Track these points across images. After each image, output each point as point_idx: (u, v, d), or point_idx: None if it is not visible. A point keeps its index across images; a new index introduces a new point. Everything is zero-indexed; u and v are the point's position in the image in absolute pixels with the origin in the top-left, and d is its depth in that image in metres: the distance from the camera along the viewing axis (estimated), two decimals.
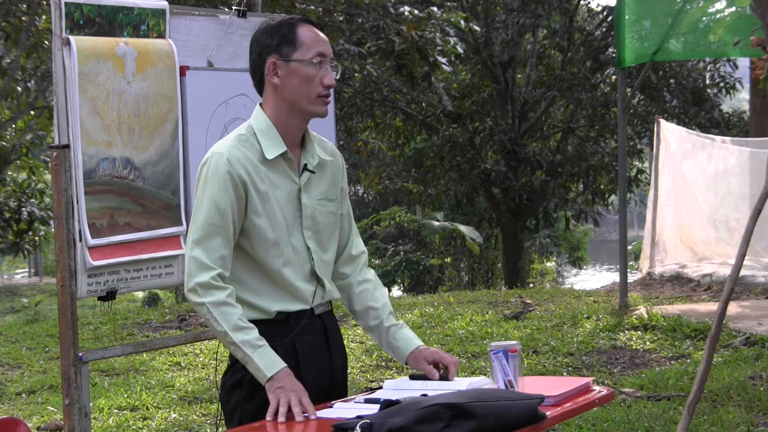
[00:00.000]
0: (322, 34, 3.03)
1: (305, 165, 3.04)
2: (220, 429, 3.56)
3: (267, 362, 2.86)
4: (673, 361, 7.45)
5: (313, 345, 3.05)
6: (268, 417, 2.80)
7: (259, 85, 3.04)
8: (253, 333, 2.88)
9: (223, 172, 2.92)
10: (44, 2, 14.08)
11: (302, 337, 3.02)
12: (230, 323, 2.87)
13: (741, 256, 4.43)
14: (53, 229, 4.01)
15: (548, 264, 29.24)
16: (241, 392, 2.99)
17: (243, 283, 2.98)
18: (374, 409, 2.69)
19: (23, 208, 16.83)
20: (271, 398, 2.83)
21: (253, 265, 2.98)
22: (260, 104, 3.06)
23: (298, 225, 3.02)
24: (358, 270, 3.20)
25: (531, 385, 2.94)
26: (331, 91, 3.05)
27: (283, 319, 3.01)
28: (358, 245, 3.22)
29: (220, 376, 3.12)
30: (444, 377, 3.07)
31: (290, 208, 3.01)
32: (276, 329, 2.98)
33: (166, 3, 4.16)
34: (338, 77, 3.04)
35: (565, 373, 7.15)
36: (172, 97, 4.15)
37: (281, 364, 2.88)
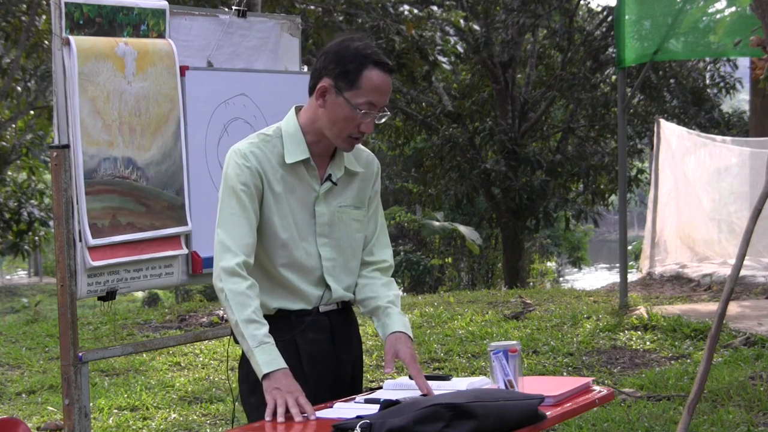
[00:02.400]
0: (387, 83, 2.96)
1: (329, 175, 3.05)
2: (234, 423, 3.60)
3: (267, 359, 2.87)
4: (673, 361, 7.45)
5: (317, 342, 3.06)
6: (267, 417, 2.80)
7: (310, 92, 3.02)
8: (263, 329, 2.89)
9: (241, 164, 2.96)
10: (44, 2, 14.08)
11: (305, 334, 3.03)
12: (244, 315, 2.88)
13: (741, 256, 4.43)
14: (53, 230, 4.01)
15: (548, 264, 29.23)
16: (248, 387, 3.03)
17: None
18: (374, 409, 2.69)
19: (23, 209, 16.82)
20: (267, 399, 2.83)
21: (259, 261, 3.00)
22: (296, 108, 3.07)
23: (312, 231, 3.04)
24: (370, 270, 3.18)
25: (531, 385, 2.94)
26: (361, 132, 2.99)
27: (285, 316, 3.02)
28: (377, 254, 3.18)
29: (232, 369, 3.16)
30: (444, 377, 3.08)
31: (306, 213, 3.03)
32: (278, 325, 2.99)
33: (166, 3, 4.16)
34: (381, 122, 3.02)
35: (565, 373, 7.15)
36: (174, 97, 4.15)
37: (281, 364, 2.87)
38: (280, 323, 3.00)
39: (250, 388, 3.00)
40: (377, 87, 2.94)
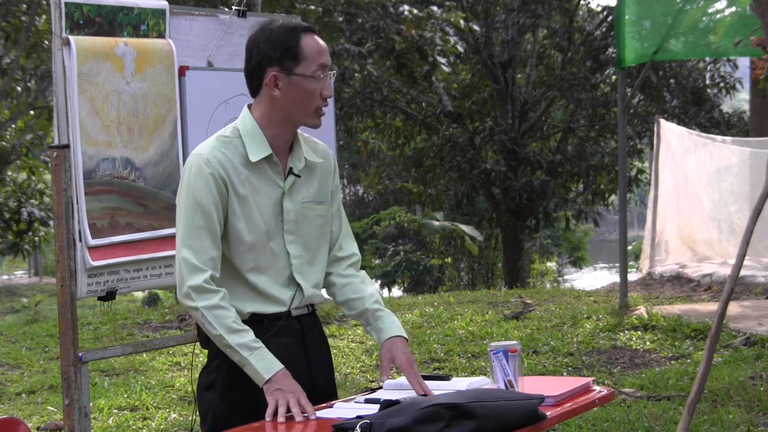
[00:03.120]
0: (322, 43, 2.99)
1: (290, 169, 3.01)
2: (194, 429, 3.52)
3: (264, 364, 2.85)
4: (673, 361, 7.45)
5: (289, 347, 3.00)
6: (268, 418, 2.80)
7: (255, 91, 3.00)
8: (249, 335, 2.87)
9: (205, 173, 2.90)
10: (44, 2, 14.07)
11: (277, 338, 2.97)
12: (225, 326, 2.86)
13: (741, 256, 4.43)
14: (53, 230, 4.01)
15: (548, 264, 29.24)
16: (215, 393, 2.98)
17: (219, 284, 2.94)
18: (374, 409, 2.69)
19: (23, 209, 16.82)
20: (269, 400, 2.82)
21: (227, 267, 2.96)
22: (248, 106, 3.03)
23: (279, 229, 2.99)
24: (343, 267, 3.15)
25: (531, 385, 2.94)
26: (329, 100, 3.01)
27: (258, 320, 2.97)
28: (347, 248, 3.17)
29: (197, 376, 3.10)
30: (444, 377, 3.07)
31: (273, 212, 2.98)
32: (251, 329, 2.93)
33: (166, 3, 4.16)
34: (332, 82, 3.02)
35: (565, 373, 7.15)
36: (171, 97, 4.15)
37: (278, 365, 2.87)
38: (253, 327, 2.94)
39: (219, 394, 2.96)
40: (319, 49, 2.95)
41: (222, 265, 2.94)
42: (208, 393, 3.02)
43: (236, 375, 2.91)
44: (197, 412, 3.09)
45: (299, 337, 3.05)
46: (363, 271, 3.21)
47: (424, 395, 2.82)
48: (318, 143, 3.14)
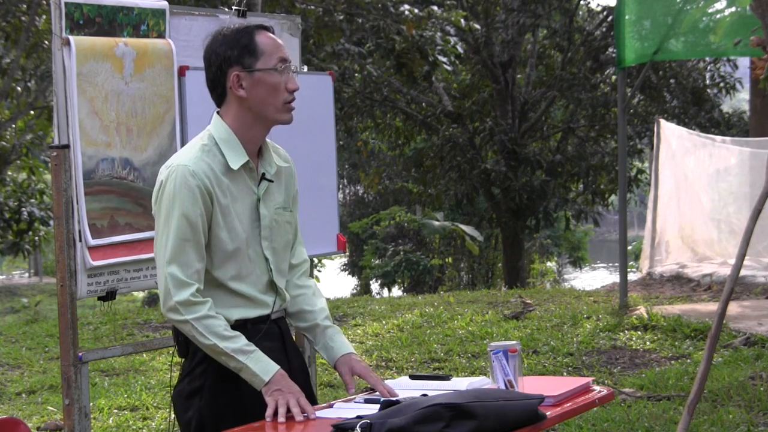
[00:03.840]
0: (278, 39, 3.00)
1: (263, 174, 3.00)
2: None
3: (262, 367, 2.86)
4: (673, 361, 7.45)
5: (272, 350, 2.99)
6: (268, 418, 2.80)
7: (221, 98, 2.98)
8: (242, 340, 2.87)
9: (192, 185, 2.86)
10: (44, 2, 14.07)
11: (261, 342, 2.96)
12: (217, 334, 2.85)
13: (741, 256, 4.43)
14: (53, 230, 4.01)
15: (548, 264, 29.23)
16: (201, 399, 2.97)
17: (203, 293, 2.93)
18: (374, 409, 2.69)
19: (23, 208, 16.82)
20: (269, 400, 2.82)
21: (210, 276, 2.94)
22: (218, 112, 3.00)
23: (256, 236, 2.98)
24: (297, 276, 3.15)
25: (531, 385, 2.94)
26: (295, 95, 2.99)
27: (241, 326, 2.96)
28: (299, 254, 3.17)
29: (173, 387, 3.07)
30: (444, 377, 3.08)
31: (250, 219, 2.97)
32: None
33: (166, 3, 4.16)
34: (296, 76, 3.00)
35: (565, 373, 7.15)
36: (170, 97, 4.15)
37: (275, 366, 2.87)
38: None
39: (207, 400, 2.96)
40: (275, 43, 2.96)
41: (207, 276, 2.93)
42: (192, 400, 3.01)
43: (225, 380, 2.91)
44: (177, 423, 3.08)
45: (280, 341, 3.06)
46: (313, 280, 3.22)
47: (394, 400, 2.76)
48: (279, 148, 3.12)
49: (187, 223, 2.86)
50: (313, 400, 3.07)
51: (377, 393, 2.96)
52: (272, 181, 3.01)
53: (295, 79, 2.97)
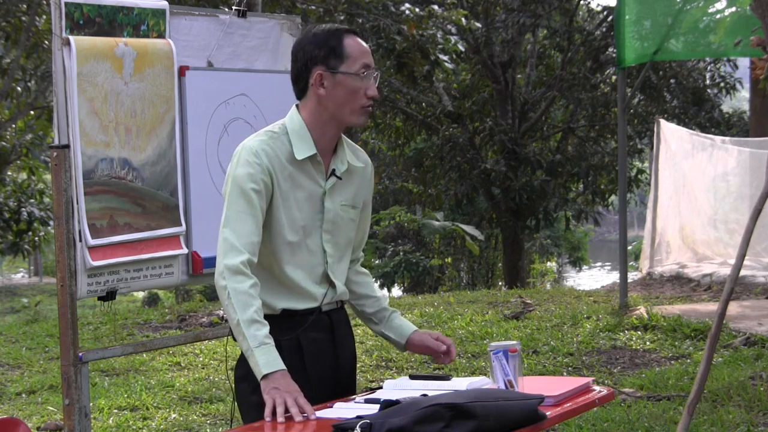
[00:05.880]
0: (365, 44, 3.08)
1: (333, 170, 3.08)
2: (233, 423, 3.59)
3: (266, 360, 2.87)
4: (673, 361, 7.45)
5: (318, 341, 3.07)
6: (266, 417, 2.80)
7: (302, 93, 3.08)
8: (264, 330, 2.89)
9: (253, 162, 2.98)
10: (44, 2, 14.07)
11: (307, 333, 3.05)
12: (245, 314, 2.88)
13: (741, 256, 4.43)
14: (53, 230, 4.01)
15: (549, 264, 29.24)
16: (249, 385, 3.01)
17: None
18: (374, 409, 2.69)
19: (23, 209, 16.81)
20: (266, 399, 2.83)
21: (264, 261, 3.01)
22: (297, 105, 3.10)
23: (317, 228, 3.07)
24: (356, 265, 3.28)
25: (531, 385, 2.94)
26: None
27: (289, 316, 3.04)
28: (359, 252, 3.29)
29: (231, 369, 3.15)
30: (444, 377, 3.08)
31: (311, 210, 3.05)
32: (282, 324, 3.02)
33: (166, 3, 4.16)
34: (377, 85, 3.09)
35: (565, 373, 7.15)
36: (170, 97, 4.15)
37: (281, 365, 2.88)
38: (285, 322, 3.03)
39: (251, 387, 2.99)
40: (362, 49, 3.04)
41: (261, 261, 2.99)
42: (242, 385, 3.08)
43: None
44: (238, 405, 3.14)
45: (329, 332, 3.12)
46: (367, 271, 3.35)
47: (394, 400, 2.74)
48: (361, 150, 3.23)
49: (243, 195, 2.96)
50: (352, 388, 3.18)
51: (376, 394, 2.96)
52: (340, 179, 3.09)
53: (374, 86, 3.05)
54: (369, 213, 3.27)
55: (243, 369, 3.03)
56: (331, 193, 3.08)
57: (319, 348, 3.07)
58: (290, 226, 3.02)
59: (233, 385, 3.14)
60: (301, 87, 3.08)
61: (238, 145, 3.06)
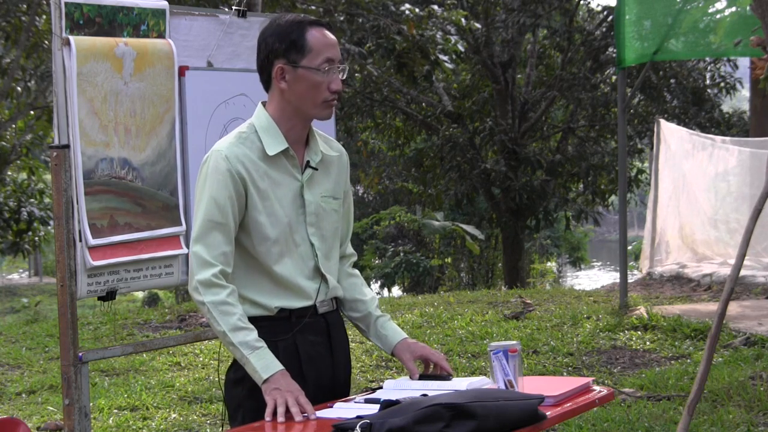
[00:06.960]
0: (331, 37, 3.02)
1: (308, 162, 3.05)
2: (224, 425, 3.56)
3: (264, 364, 2.86)
4: (673, 361, 7.45)
5: (315, 344, 3.05)
6: (267, 417, 2.80)
7: (266, 85, 3.05)
8: (252, 334, 2.89)
9: (223, 169, 2.94)
10: (44, 2, 14.07)
11: (304, 335, 3.02)
12: (229, 323, 2.87)
13: (741, 256, 4.43)
14: (53, 229, 4.01)
15: (548, 264, 29.24)
16: (243, 389, 2.99)
17: (244, 280, 2.99)
18: (374, 409, 2.69)
19: (23, 209, 16.81)
20: (267, 399, 2.83)
21: (253, 262, 2.99)
22: (263, 103, 3.08)
23: (301, 222, 3.04)
24: (347, 266, 3.24)
25: (531, 385, 2.94)
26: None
27: (286, 317, 3.01)
28: (348, 247, 3.26)
29: (224, 372, 3.13)
30: (444, 377, 3.08)
31: (293, 205, 3.02)
32: (278, 326, 3.00)
33: (166, 3, 4.16)
34: (344, 77, 3.05)
35: (565, 373, 7.15)
36: (170, 97, 4.15)
37: (278, 366, 2.88)
38: (281, 324, 3.00)
39: (246, 390, 2.97)
40: (325, 42, 2.98)
41: (248, 262, 2.98)
42: (236, 389, 3.04)
43: None
44: (227, 408, 3.11)
45: (325, 336, 3.10)
46: (358, 272, 3.31)
47: (394, 400, 2.74)
48: (333, 140, 3.20)
49: (216, 205, 2.93)
50: (347, 393, 3.14)
51: (376, 394, 2.96)
52: (316, 169, 3.06)
53: (339, 80, 3.00)
54: (351, 202, 3.23)
55: (237, 373, 3.01)
56: (310, 185, 3.05)
57: (317, 352, 3.05)
58: (273, 224, 2.98)
59: (223, 388, 3.11)
60: (264, 79, 3.04)
61: (209, 151, 3.02)
